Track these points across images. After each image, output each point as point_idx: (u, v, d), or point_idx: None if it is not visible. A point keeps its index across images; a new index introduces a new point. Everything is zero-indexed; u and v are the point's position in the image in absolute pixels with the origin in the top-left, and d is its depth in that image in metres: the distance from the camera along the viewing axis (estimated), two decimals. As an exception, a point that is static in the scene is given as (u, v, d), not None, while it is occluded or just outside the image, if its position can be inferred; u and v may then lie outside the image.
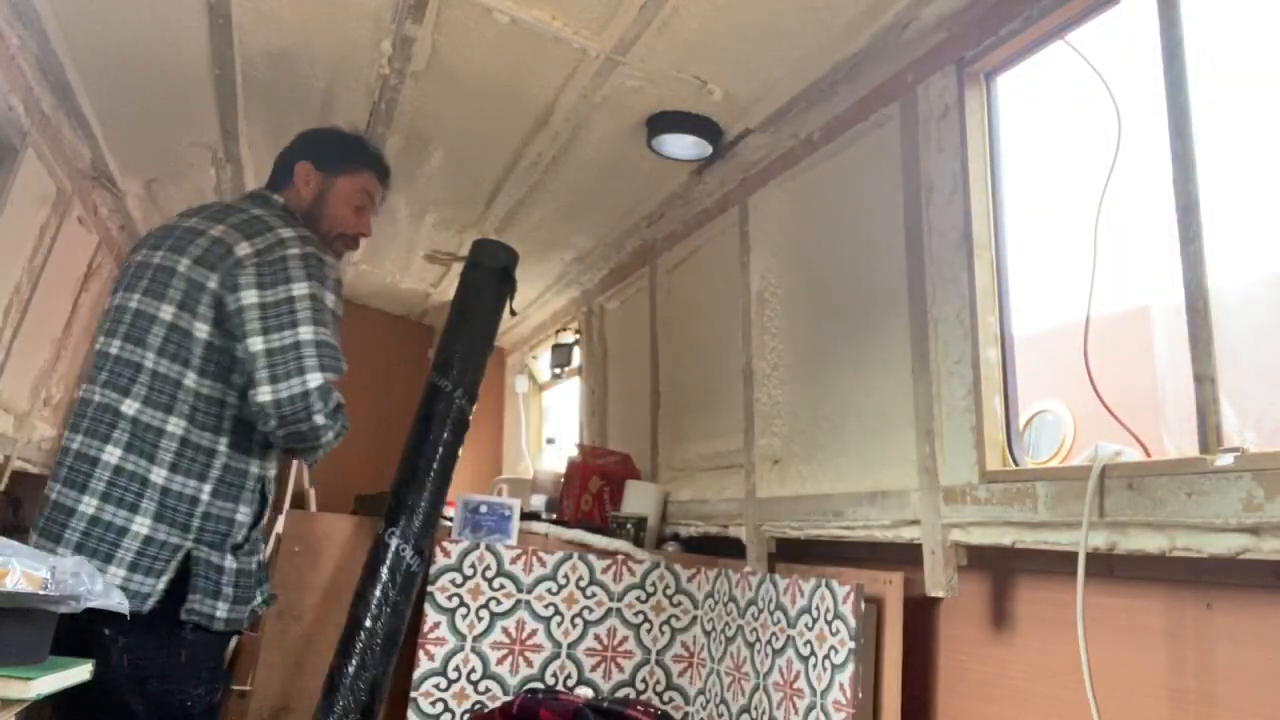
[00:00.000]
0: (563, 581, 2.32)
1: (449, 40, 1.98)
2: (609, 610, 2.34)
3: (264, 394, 1.59)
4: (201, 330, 1.65)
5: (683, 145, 2.29)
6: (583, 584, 2.33)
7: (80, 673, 1.75)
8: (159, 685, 1.61)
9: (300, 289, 1.65)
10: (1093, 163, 1.69)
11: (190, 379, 1.65)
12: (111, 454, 1.62)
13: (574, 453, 3.08)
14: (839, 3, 1.72)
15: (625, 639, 2.34)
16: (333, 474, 4.17)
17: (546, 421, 4.68)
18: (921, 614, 1.87)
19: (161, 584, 1.60)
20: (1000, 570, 1.72)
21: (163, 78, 2.24)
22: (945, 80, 1.77)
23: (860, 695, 1.75)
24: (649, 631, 2.36)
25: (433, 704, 2.15)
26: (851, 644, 1.77)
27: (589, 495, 2.88)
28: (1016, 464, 1.65)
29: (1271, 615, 1.27)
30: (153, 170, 2.84)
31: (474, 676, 2.20)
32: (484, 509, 2.36)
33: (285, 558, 2.24)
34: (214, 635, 1.67)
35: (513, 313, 2.42)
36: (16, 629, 1.60)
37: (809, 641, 1.90)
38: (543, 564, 2.31)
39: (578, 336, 3.84)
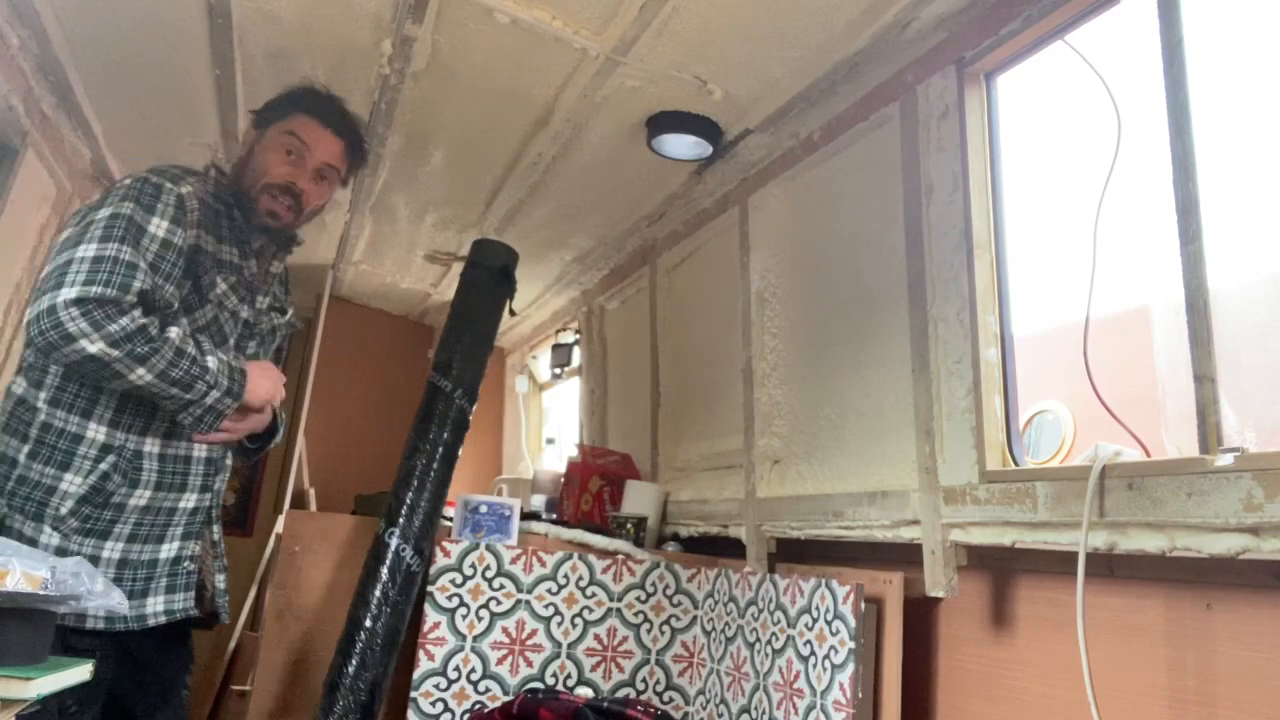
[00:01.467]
0: (563, 581, 2.32)
1: (449, 40, 1.98)
2: (609, 610, 2.34)
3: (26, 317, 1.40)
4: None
5: (683, 145, 2.29)
6: (583, 584, 2.33)
7: (80, 673, 1.75)
8: None
9: (103, 212, 1.47)
10: (1093, 163, 1.69)
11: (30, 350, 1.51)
12: None
13: (574, 453, 3.08)
14: (839, 3, 1.73)
15: (625, 639, 2.34)
16: (332, 474, 4.17)
17: (546, 421, 4.68)
18: (921, 614, 1.87)
19: None
20: (1000, 570, 1.72)
21: (163, 78, 2.24)
22: (945, 80, 1.77)
23: (860, 695, 1.75)
24: (649, 631, 2.37)
25: (433, 704, 2.15)
26: (851, 644, 1.77)
27: (589, 495, 2.88)
28: (1016, 464, 1.65)
29: (1271, 615, 1.27)
30: (153, 170, 2.84)
31: (474, 676, 2.20)
32: (484, 509, 2.36)
33: (285, 558, 2.23)
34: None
35: (512, 313, 2.42)
36: (16, 629, 1.60)
37: (809, 641, 1.90)
38: (543, 564, 2.31)
39: (578, 336, 3.84)
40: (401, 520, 2.13)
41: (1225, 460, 1.22)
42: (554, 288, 3.73)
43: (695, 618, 2.40)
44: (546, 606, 2.29)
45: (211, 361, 1.52)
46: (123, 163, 2.77)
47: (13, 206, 2.31)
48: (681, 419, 2.91)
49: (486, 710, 2.14)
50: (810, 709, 1.85)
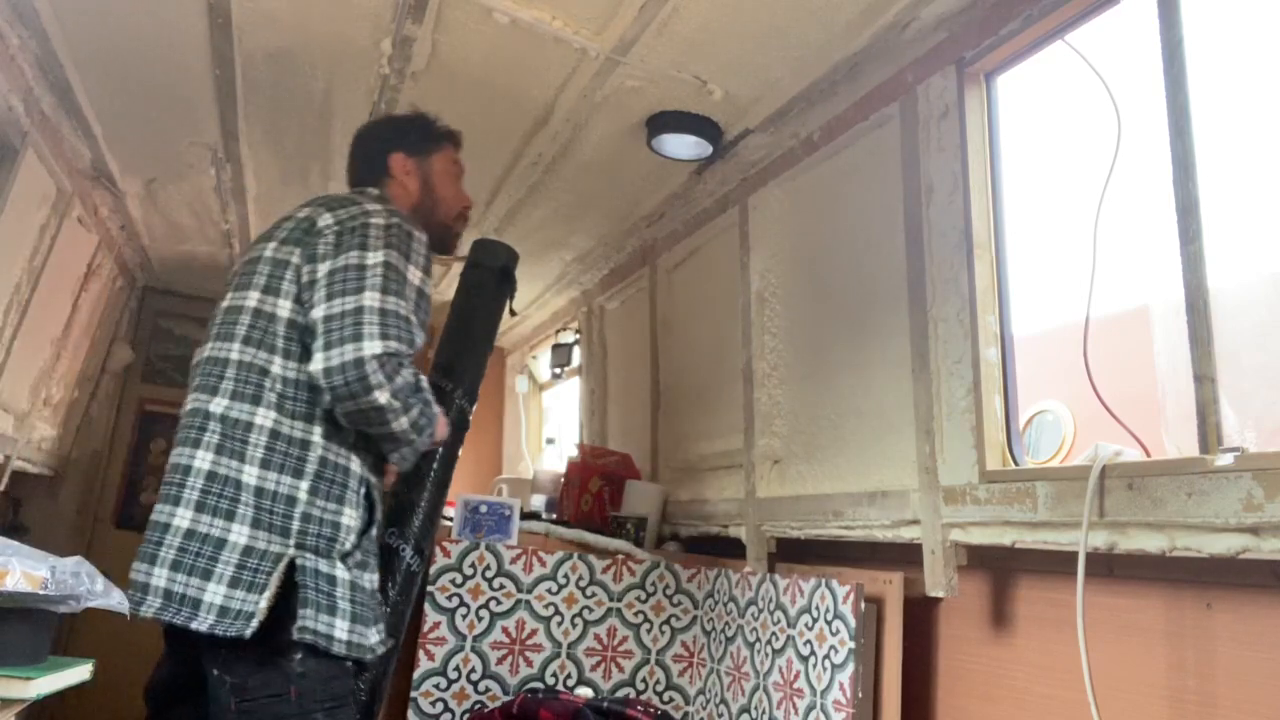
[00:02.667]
0: (563, 581, 2.32)
1: (449, 40, 1.98)
2: (609, 610, 2.34)
3: (315, 362, 1.41)
4: (284, 309, 1.51)
5: (683, 145, 2.29)
6: (583, 584, 2.33)
7: (80, 673, 1.75)
8: None
9: (374, 256, 1.49)
10: (1093, 163, 1.69)
11: (276, 365, 1.49)
12: (203, 459, 1.47)
13: (574, 453, 3.08)
14: (839, 3, 1.72)
15: (625, 639, 2.34)
16: (333, 474, 4.18)
17: (546, 421, 4.68)
18: (921, 614, 1.87)
19: (264, 600, 1.39)
20: (1000, 570, 1.72)
21: (163, 78, 2.24)
22: (945, 80, 1.77)
23: (860, 695, 1.75)
24: (649, 631, 2.37)
25: (433, 704, 2.15)
26: (851, 644, 1.77)
27: (589, 495, 2.88)
28: (1016, 464, 1.65)
29: (1271, 615, 1.27)
30: (153, 170, 2.83)
31: (474, 676, 2.20)
32: (484, 509, 2.35)
33: (285, 558, 2.23)
34: (332, 664, 1.45)
35: (513, 313, 2.41)
36: (16, 629, 1.60)
37: (809, 641, 1.90)
38: (543, 564, 2.31)
39: (578, 336, 3.84)
40: (402, 520, 2.12)
41: (1225, 460, 1.22)
42: (554, 288, 3.73)
43: (695, 618, 2.40)
44: (546, 606, 2.29)
45: (435, 409, 1.59)
46: (123, 163, 2.77)
47: (13, 206, 2.31)
48: (681, 419, 2.91)
49: (486, 710, 2.14)
50: (810, 709, 1.85)
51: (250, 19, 1.96)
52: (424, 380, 1.54)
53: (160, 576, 1.45)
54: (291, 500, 1.46)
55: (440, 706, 2.15)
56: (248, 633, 1.38)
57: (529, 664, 2.25)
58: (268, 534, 1.43)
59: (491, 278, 2.37)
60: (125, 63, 2.18)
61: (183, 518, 1.46)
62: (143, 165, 2.80)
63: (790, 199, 2.32)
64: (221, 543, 1.43)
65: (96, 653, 2.21)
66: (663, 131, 2.24)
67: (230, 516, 1.44)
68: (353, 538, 1.51)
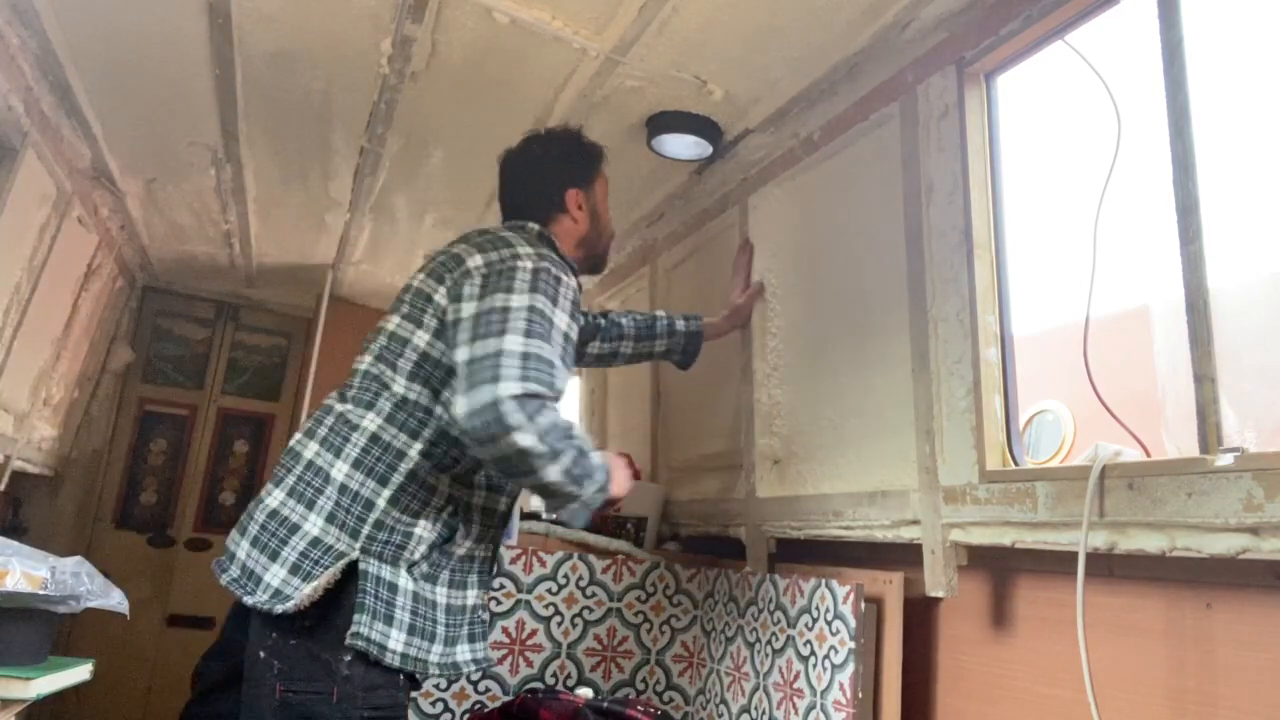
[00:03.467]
0: (563, 581, 2.32)
1: (449, 40, 1.98)
2: (609, 610, 2.34)
3: (457, 406, 1.42)
4: (420, 338, 1.58)
5: (683, 145, 2.29)
6: (583, 584, 2.33)
7: (80, 673, 1.75)
8: None
9: (519, 300, 1.50)
10: (1093, 163, 1.69)
11: (399, 383, 1.57)
12: (309, 449, 1.57)
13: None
14: (839, 3, 1.73)
15: (625, 639, 2.34)
16: (333, 474, 4.18)
17: (546, 421, 4.67)
18: (921, 614, 1.87)
19: (308, 589, 1.42)
20: (1000, 570, 1.72)
21: (163, 78, 2.24)
22: (945, 80, 1.77)
23: (860, 695, 1.75)
24: (649, 631, 2.37)
25: (433, 704, 2.15)
26: (851, 644, 1.77)
27: (589, 495, 2.87)
28: (1016, 464, 1.65)
29: (1271, 615, 1.27)
30: (153, 170, 2.83)
31: (474, 676, 2.20)
32: (484, 509, 2.35)
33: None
34: (380, 673, 1.44)
35: None
36: (16, 629, 1.61)
37: (809, 641, 1.90)
38: (543, 564, 2.31)
39: (578, 337, 3.83)
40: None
41: (1225, 460, 1.22)
42: (554, 288, 3.73)
43: (695, 618, 2.40)
44: (546, 606, 2.29)
45: (596, 458, 1.54)
46: (123, 163, 2.77)
47: (13, 206, 2.31)
48: (682, 418, 2.91)
49: (486, 710, 2.14)
50: (810, 709, 1.85)
51: (250, 19, 1.96)
52: (577, 428, 1.51)
53: (243, 549, 1.53)
54: (369, 505, 1.50)
55: (440, 706, 2.15)
56: (278, 609, 1.42)
57: (529, 664, 2.25)
58: (339, 531, 1.49)
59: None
60: (125, 63, 2.18)
61: (275, 498, 1.55)
62: (143, 165, 2.80)
63: (790, 199, 2.32)
64: (295, 528, 1.49)
65: (96, 653, 2.22)
66: (663, 131, 2.24)
67: (310, 505, 1.51)
68: (423, 548, 1.52)
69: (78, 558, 1.69)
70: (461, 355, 1.47)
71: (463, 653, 1.55)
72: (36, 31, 2.05)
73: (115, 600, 1.73)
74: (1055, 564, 1.54)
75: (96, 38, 2.08)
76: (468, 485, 1.60)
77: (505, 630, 2.24)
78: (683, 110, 2.19)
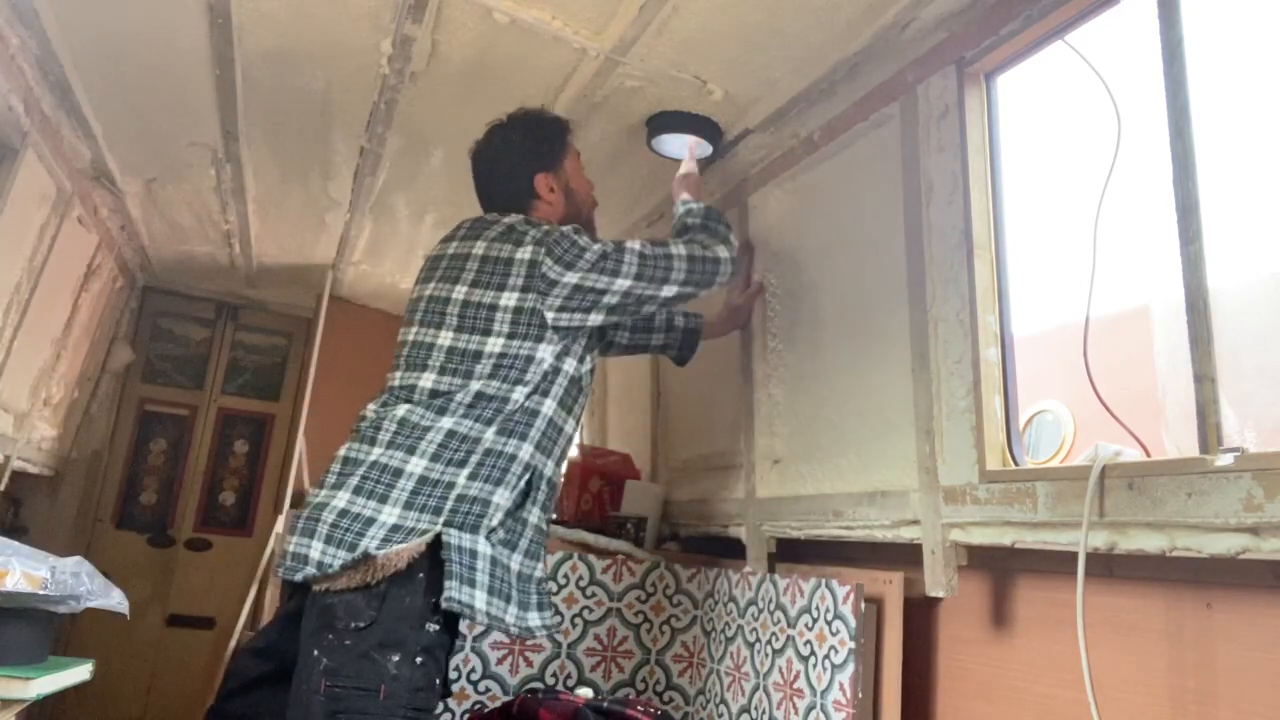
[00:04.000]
0: (563, 581, 2.32)
1: (449, 40, 1.98)
2: (609, 610, 2.34)
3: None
4: (494, 344, 1.68)
5: (683, 145, 2.28)
6: (583, 584, 2.33)
7: (80, 673, 1.75)
8: None
9: (596, 246, 1.77)
10: (1093, 163, 1.69)
11: (472, 386, 1.66)
12: (371, 453, 1.63)
13: (574, 453, 3.08)
14: (839, 3, 1.72)
15: (625, 639, 2.34)
16: (333, 474, 4.17)
17: (546, 421, 4.68)
18: (921, 614, 1.87)
19: (399, 547, 1.50)
20: (1000, 570, 1.72)
21: (163, 78, 2.24)
22: (945, 80, 1.77)
23: (860, 695, 1.75)
24: (649, 631, 2.36)
25: (433, 704, 2.14)
26: (851, 644, 1.77)
27: (589, 495, 2.88)
28: (1016, 464, 1.65)
29: (1271, 615, 1.27)
30: (153, 170, 2.84)
31: (474, 676, 2.20)
32: (484, 509, 2.35)
33: (285, 558, 2.23)
34: (422, 675, 1.49)
35: None
36: (16, 629, 1.61)
37: (809, 641, 1.90)
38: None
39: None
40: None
41: (1225, 460, 1.22)
42: (554, 288, 3.73)
43: (695, 618, 2.40)
44: (546, 606, 2.29)
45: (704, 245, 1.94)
46: (123, 163, 2.77)
47: (13, 206, 2.31)
48: (682, 419, 2.91)
49: (486, 710, 2.14)
50: (810, 709, 1.85)
51: (250, 19, 1.96)
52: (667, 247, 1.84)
53: (316, 549, 1.55)
54: (450, 485, 1.59)
55: (440, 706, 2.15)
56: (360, 546, 1.49)
57: (529, 664, 2.25)
58: (418, 514, 1.55)
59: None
60: (125, 63, 2.18)
61: (341, 499, 1.58)
62: (143, 165, 2.80)
63: (790, 199, 2.32)
64: (371, 520, 1.54)
65: (96, 653, 2.22)
66: (663, 131, 2.24)
67: (384, 499, 1.57)
68: (500, 515, 1.61)
69: (78, 558, 1.69)
70: (622, 284, 1.75)
71: (534, 619, 1.64)
72: (36, 31, 2.05)
73: (115, 600, 1.73)
74: (1055, 564, 1.54)
75: (96, 38, 2.08)
76: (547, 454, 1.72)
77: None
78: (683, 110, 2.19)
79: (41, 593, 1.60)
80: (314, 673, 1.47)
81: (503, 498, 1.62)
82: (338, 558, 1.50)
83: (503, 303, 1.69)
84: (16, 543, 1.65)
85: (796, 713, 1.89)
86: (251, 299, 4.24)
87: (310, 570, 1.52)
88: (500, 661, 2.22)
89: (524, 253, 1.72)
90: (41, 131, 2.35)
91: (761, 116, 2.18)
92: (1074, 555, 1.39)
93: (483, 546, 1.57)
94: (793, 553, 2.24)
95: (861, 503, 1.91)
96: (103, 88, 2.32)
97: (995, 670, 1.71)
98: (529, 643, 2.25)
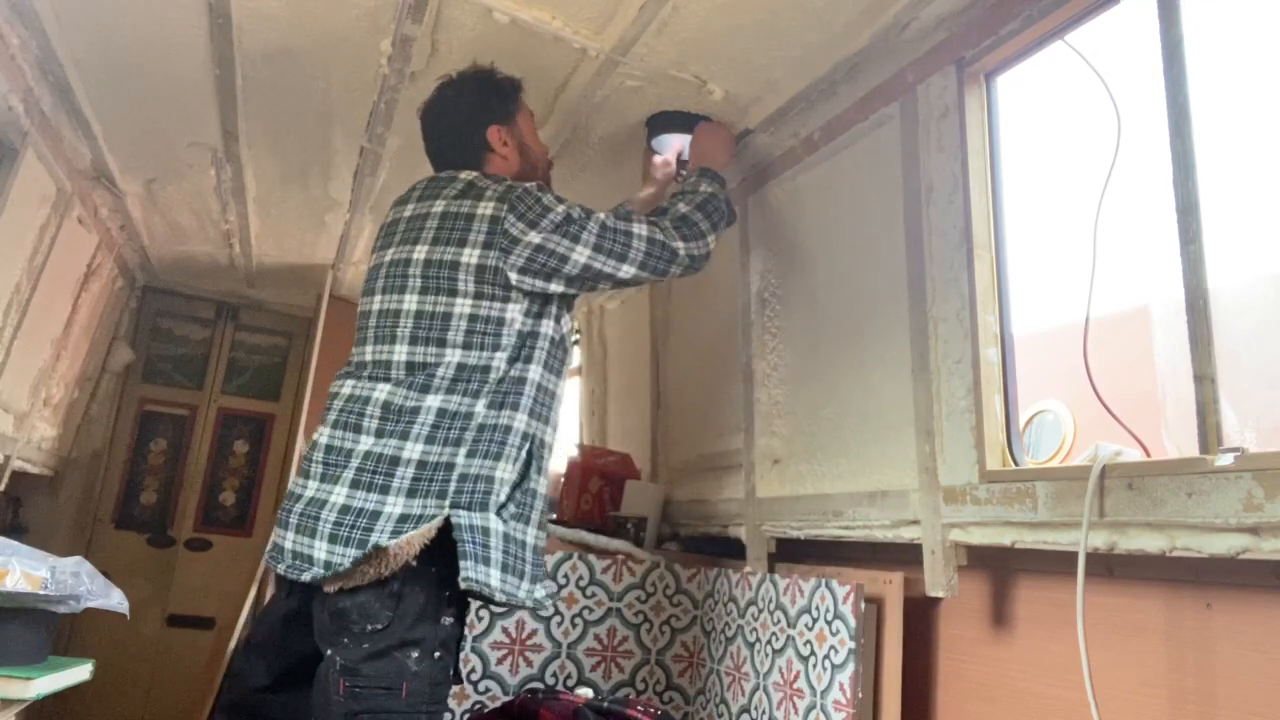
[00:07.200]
0: (563, 581, 2.32)
1: (449, 40, 1.98)
2: (609, 610, 2.34)
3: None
4: (463, 305, 1.62)
5: (683, 145, 2.28)
6: (583, 584, 2.33)
7: (80, 672, 1.75)
8: None
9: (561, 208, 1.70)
10: (1093, 163, 1.69)
11: (451, 354, 1.61)
12: (361, 442, 1.57)
13: (574, 453, 3.08)
14: (839, 2, 1.72)
15: (625, 639, 2.34)
16: (333, 474, 4.18)
17: (546, 421, 4.68)
18: (921, 614, 1.87)
19: (409, 535, 1.47)
20: (1000, 570, 1.72)
21: (163, 78, 2.24)
22: (945, 80, 1.77)
23: (860, 695, 1.75)
24: (649, 631, 2.37)
25: (433, 704, 2.14)
26: (851, 644, 1.77)
27: (589, 495, 2.88)
28: (1016, 464, 1.65)
29: (1271, 615, 1.27)
30: (153, 170, 2.83)
31: (474, 676, 2.20)
32: (484, 509, 2.35)
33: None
34: (439, 669, 1.49)
35: None
36: (16, 629, 1.61)
37: (809, 641, 1.90)
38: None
39: (578, 336, 3.84)
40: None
41: (1225, 460, 1.22)
42: (554, 288, 3.72)
43: (695, 618, 2.40)
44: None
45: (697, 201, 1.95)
46: (123, 163, 2.77)
47: (13, 206, 2.31)
48: (681, 419, 2.91)
49: (486, 710, 2.14)
50: (810, 709, 1.85)
51: (250, 19, 1.96)
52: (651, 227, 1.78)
53: (320, 549, 1.51)
54: (450, 467, 1.54)
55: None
56: (369, 541, 1.45)
57: (529, 664, 2.25)
58: (423, 499, 1.52)
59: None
60: (125, 63, 2.18)
61: (339, 494, 1.54)
62: (143, 165, 2.80)
63: (790, 199, 2.32)
64: (376, 514, 1.50)
65: (96, 653, 2.22)
66: (663, 131, 2.24)
67: (386, 490, 1.52)
68: (506, 489, 1.57)
69: (77, 558, 1.69)
70: (580, 255, 1.68)
71: (540, 591, 1.61)
72: (36, 31, 2.05)
73: (115, 600, 1.73)
74: (1055, 564, 1.54)
75: (96, 38, 2.08)
76: (543, 421, 1.67)
77: (505, 630, 2.24)
78: (683, 110, 2.18)
79: (41, 593, 1.60)
80: (331, 673, 1.45)
81: (506, 471, 1.57)
82: (347, 556, 1.46)
83: (464, 259, 1.63)
84: (16, 543, 1.65)
85: (796, 713, 1.89)
86: (251, 299, 4.24)
87: (318, 571, 1.49)
88: (500, 661, 2.22)
89: (485, 208, 1.65)
90: (41, 131, 2.35)
91: (761, 116, 2.17)
92: (1074, 555, 1.39)
93: (494, 523, 1.53)
94: (793, 553, 2.24)
95: (861, 503, 1.91)
96: (103, 88, 2.32)
97: (995, 670, 1.71)
98: (529, 642, 2.26)
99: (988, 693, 1.72)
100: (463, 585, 1.46)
